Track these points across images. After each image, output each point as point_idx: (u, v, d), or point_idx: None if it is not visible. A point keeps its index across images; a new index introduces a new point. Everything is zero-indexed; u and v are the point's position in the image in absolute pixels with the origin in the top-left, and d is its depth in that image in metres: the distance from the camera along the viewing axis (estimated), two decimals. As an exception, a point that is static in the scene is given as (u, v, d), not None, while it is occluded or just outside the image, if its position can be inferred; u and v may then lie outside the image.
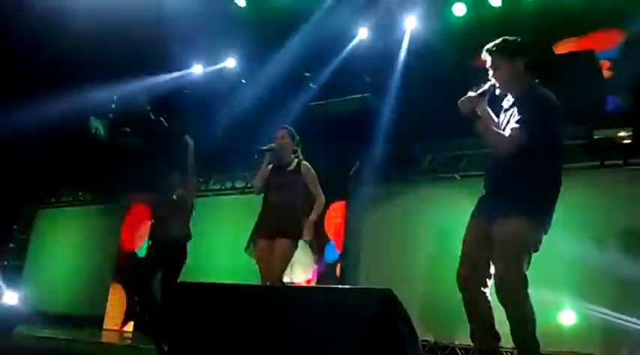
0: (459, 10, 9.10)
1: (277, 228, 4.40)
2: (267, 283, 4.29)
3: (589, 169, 6.20)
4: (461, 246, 3.23)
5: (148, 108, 9.68)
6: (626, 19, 6.93)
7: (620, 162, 5.96)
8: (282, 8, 9.88)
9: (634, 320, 5.48)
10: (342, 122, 7.82)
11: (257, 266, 4.44)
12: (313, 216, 4.48)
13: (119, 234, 9.24)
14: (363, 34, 9.21)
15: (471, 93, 3.15)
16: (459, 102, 3.16)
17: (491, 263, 3.08)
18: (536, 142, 2.97)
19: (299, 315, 2.71)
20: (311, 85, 8.60)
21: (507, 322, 2.99)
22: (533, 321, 2.98)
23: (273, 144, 4.63)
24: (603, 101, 6.59)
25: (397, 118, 7.67)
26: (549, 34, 8.00)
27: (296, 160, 4.69)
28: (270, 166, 4.65)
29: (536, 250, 3.06)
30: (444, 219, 6.59)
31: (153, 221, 6.80)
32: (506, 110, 3.19)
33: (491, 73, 3.15)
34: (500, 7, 8.80)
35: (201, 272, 7.16)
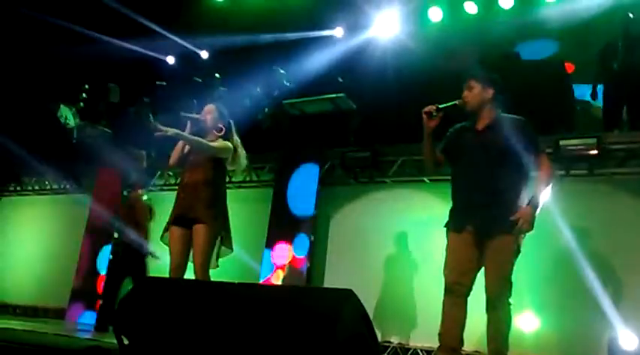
0: (436, 15, 9.20)
1: (189, 213, 4.19)
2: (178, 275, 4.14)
3: (556, 178, 6.30)
4: (448, 254, 3.59)
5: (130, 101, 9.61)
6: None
7: (585, 171, 6.07)
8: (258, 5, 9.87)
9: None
10: (314, 121, 7.84)
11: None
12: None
13: (86, 224, 9.08)
14: (338, 33, 9.24)
15: (431, 107, 3.57)
16: (423, 111, 3.60)
17: (474, 272, 3.50)
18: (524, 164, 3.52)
19: (259, 313, 2.70)
20: (286, 82, 8.60)
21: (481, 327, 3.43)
22: (510, 326, 3.42)
23: (197, 115, 4.42)
24: (571, 111, 6.74)
25: (369, 120, 7.73)
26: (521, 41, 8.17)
27: (219, 140, 4.41)
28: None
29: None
30: (411, 221, 6.65)
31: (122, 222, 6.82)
32: (479, 132, 3.64)
33: (465, 92, 3.63)
34: (475, 14, 8.94)
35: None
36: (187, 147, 4.41)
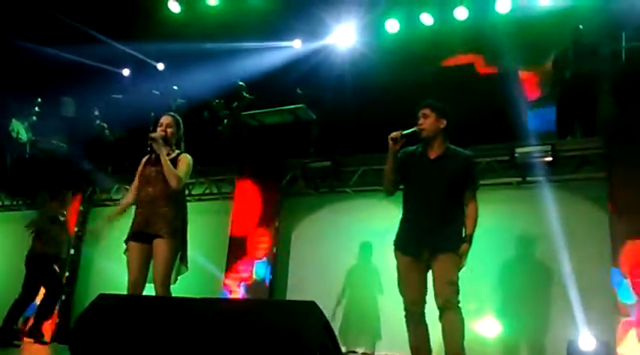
0: (393, 26, 9.33)
1: (148, 228, 4.12)
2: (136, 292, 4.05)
3: (512, 185, 6.43)
4: (401, 277, 3.80)
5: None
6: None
7: (541, 178, 6.21)
8: (216, 14, 9.83)
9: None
10: (274, 132, 7.82)
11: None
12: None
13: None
14: (296, 44, 9.26)
15: (397, 133, 3.78)
16: (389, 137, 3.80)
17: (426, 290, 3.77)
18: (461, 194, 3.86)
19: (222, 329, 2.66)
20: (247, 95, 8.57)
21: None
22: (463, 328, 3.64)
23: (156, 133, 4.28)
24: (525, 119, 6.89)
25: (328, 130, 7.75)
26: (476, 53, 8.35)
27: (176, 152, 4.32)
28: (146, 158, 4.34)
29: None
30: (373, 230, 6.67)
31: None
32: (431, 161, 3.90)
33: (421, 120, 3.85)
34: (431, 25, 9.11)
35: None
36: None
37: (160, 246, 4.07)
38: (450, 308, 3.62)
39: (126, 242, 4.23)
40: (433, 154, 3.89)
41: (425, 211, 3.83)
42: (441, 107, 3.91)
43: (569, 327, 5.48)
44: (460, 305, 3.66)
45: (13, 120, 9.61)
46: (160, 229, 4.10)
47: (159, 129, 4.31)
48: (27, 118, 9.76)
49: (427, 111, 3.86)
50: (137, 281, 4.11)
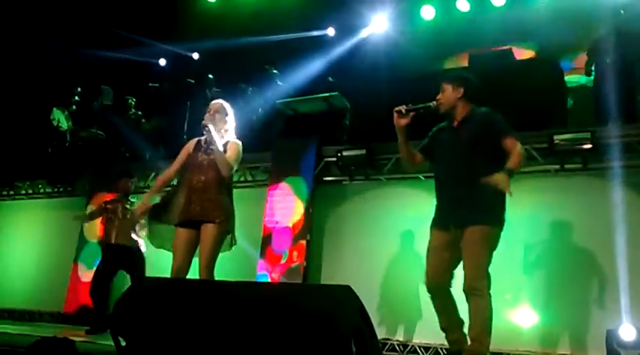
0: (428, 13, 9.23)
1: (200, 215, 4.15)
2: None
3: (550, 173, 6.33)
4: (428, 253, 3.74)
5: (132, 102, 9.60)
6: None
7: (580, 165, 6.09)
8: (250, 3, 9.86)
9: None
10: (308, 121, 7.82)
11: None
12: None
13: (81, 228, 9.02)
14: (330, 32, 9.24)
15: (401, 107, 3.76)
16: (394, 110, 3.79)
17: (452, 268, 3.69)
18: (497, 154, 3.62)
19: (259, 312, 2.69)
20: (278, 82, 8.60)
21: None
22: (490, 316, 3.52)
23: (206, 120, 4.32)
24: (564, 105, 6.76)
25: (363, 118, 7.72)
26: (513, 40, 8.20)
27: (230, 143, 4.35)
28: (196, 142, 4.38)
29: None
30: (407, 218, 6.65)
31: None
32: (454, 129, 3.81)
33: (439, 95, 3.80)
34: (468, 12, 8.98)
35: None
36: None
37: (212, 232, 4.11)
38: (473, 294, 3.53)
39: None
40: (456, 122, 3.83)
41: (450, 180, 3.73)
42: (455, 76, 3.88)
43: (609, 318, 5.38)
44: (487, 291, 3.54)
45: (54, 108, 9.83)
46: (216, 216, 4.13)
47: (207, 115, 4.34)
48: (67, 107, 9.97)
49: (444, 85, 3.81)
50: (181, 267, 4.15)
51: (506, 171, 3.49)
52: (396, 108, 3.77)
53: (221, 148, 4.24)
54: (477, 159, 3.64)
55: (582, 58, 7.30)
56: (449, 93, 3.77)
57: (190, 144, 4.43)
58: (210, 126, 4.26)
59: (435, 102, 3.78)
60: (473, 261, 3.54)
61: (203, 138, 4.38)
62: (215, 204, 4.17)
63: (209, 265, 4.11)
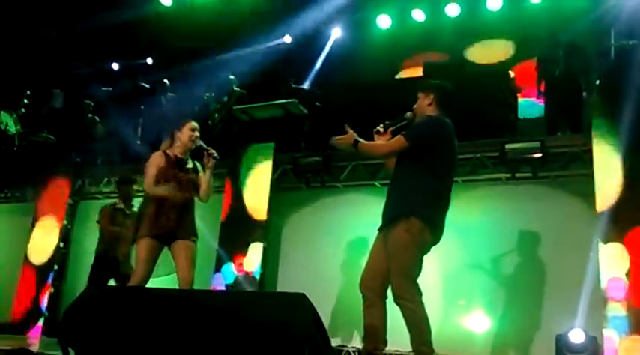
0: (384, 22, 9.35)
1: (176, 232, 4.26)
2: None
3: (501, 181, 6.46)
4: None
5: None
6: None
7: (530, 174, 6.24)
8: (207, 9, 9.78)
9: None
10: (264, 127, 7.79)
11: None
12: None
13: (28, 235, 8.73)
14: (286, 39, 9.25)
15: (380, 127, 3.74)
16: (373, 131, 3.75)
17: (386, 272, 3.52)
18: (416, 154, 3.51)
19: (212, 320, 2.66)
20: (237, 88, 8.54)
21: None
22: (424, 322, 3.38)
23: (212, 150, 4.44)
24: (515, 115, 6.93)
25: (320, 125, 7.74)
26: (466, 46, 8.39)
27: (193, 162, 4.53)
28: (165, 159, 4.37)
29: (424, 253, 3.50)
30: (364, 225, 6.66)
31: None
32: None
33: (415, 105, 3.75)
34: (423, 22, 9.14)
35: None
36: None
37: (191, 249, 4.28)
38: (401, 303, 3.42)
39: (135, 240, 4.26)
40: None
41: (391, 182, 3.75)
42: (427, 84, 3.87)
43: (558, 323, 5.48)
44: (412, 297, 3.39)
45: (2, 111, 9.53)
46: (193, 233, 4.34)
47: (194, 134, 4.40)
48: (16, 110, 9.68)
49: (418, 94, 3.77)
50: (144, 278, 4.18)
51: (356, 139, 3.56)
52: (375, 129, 3.76)
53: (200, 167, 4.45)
54: (404, 160, 3.62)
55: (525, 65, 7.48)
56: (421, 101, 3.74)
57: (159, 159, 4.36)
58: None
59: (410, 113, 3.78)
60: (395, 265, 3.44)
61: (171, 153, 4.39)
62: (192, 223, 4.37)
63: (193, 280, 4.23)
